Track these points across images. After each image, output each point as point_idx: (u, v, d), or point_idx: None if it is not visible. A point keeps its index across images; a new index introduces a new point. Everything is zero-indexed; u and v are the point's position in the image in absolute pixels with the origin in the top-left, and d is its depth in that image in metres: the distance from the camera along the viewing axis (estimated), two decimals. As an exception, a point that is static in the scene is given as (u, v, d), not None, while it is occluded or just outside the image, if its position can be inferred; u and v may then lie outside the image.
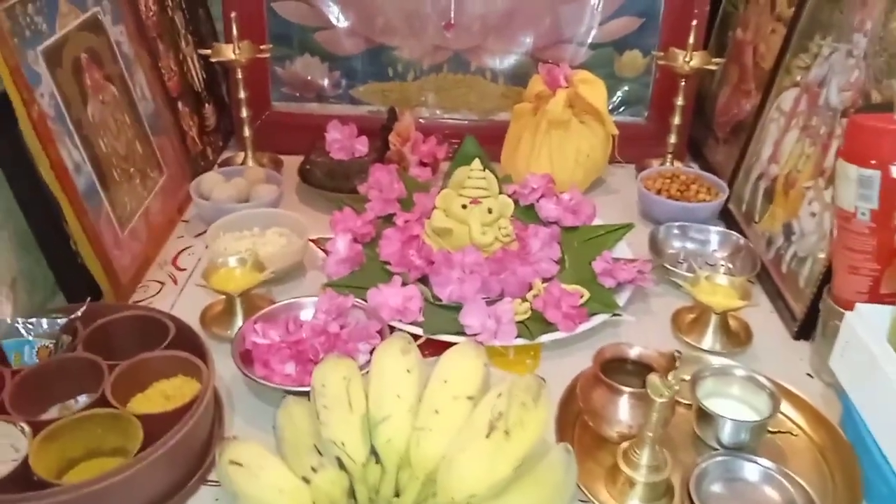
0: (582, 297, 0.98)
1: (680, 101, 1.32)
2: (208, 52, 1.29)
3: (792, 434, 0.83)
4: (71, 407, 0.80)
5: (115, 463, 0.70)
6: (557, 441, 0.79)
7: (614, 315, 0.99)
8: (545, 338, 0.94)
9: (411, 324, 0.94)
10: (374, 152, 1.32)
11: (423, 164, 1.30)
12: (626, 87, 1.45)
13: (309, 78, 1.46)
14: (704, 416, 0.79)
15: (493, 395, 0.71)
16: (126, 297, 1.02)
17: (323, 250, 1.08)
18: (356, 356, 0.87)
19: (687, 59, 1.28)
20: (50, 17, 0.96)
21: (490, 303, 0.96)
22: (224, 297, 0.98)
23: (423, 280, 1.02)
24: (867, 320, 0.78)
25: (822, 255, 0.95)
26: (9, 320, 0.82)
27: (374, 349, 0.83)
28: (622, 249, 1.11)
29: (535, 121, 1.29)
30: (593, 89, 1.27)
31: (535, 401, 0.69)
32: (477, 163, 1.06)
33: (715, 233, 1.15)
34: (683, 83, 1.31)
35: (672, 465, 0.74)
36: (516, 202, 1.13)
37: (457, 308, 0.96)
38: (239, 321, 0.96)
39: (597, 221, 1.17)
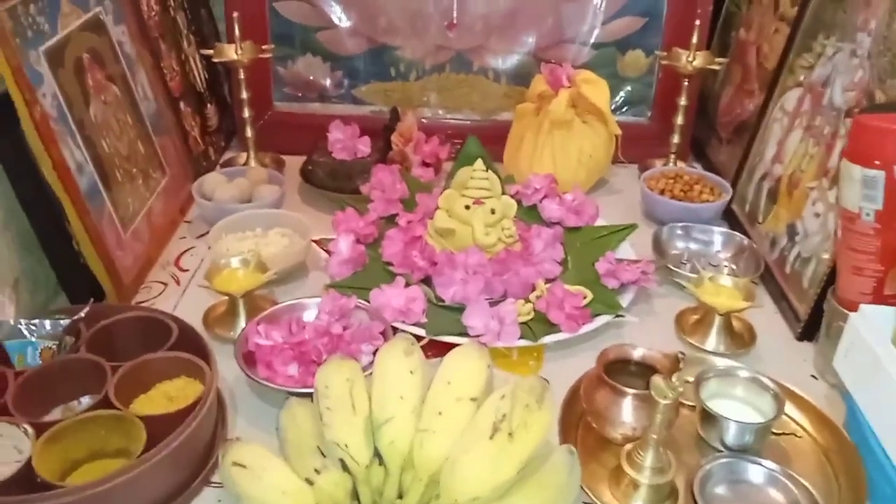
0: (585, 297, 0.98)
1: (683, 101, 1.32)
2: (210, 52, 1.29)
3: (796, 436, 0.82)
4: (74, 408, 0.80)
5: (119, 464, 0.70)
6: (561, 442, 0.78)
7: (617, 316, 0.99)
8: (548, 339, 0.94)
9: (414, 325, 0.94)
10: (377, 152, 1.31)
11: (425, 164, 1.30)
12: (628, 87, 1.45)
13: (311, 78, 1.46)
14: (708, 418, 0.79)
15: (496, 397, 0.71)
16: (129, 297, 1.02)
17: (325, 251, 1.07)
18: (359, 357, 0.86)
19: (690, 58, 1.27)
20: (52, 17, 0.96)
21: (493, 304, 0.96)
22: (227, 297, 0.97)
23: (426, 281, 1.02)
24: (871, 321, 0.78)
25: (825, 256, 0.95)
26: (12, 321, 0.82)
27: (377, 350, 0.83)
28: (625, 250, 1.11)
29: (538, 121, 1.29)
30: (596, 89, 1.27)
31: (538, 403, 0.69)
32: (480, 163, 1.06)
33: (718, 233, 1.15)
34: (686, 83, 1.31)
35: (676, 467, 0.73)
36: (519, 202, 1.13)
37: (460, 309, 0.95)
38: (242, 322, 0.96)
39: (600, 222, 1.16)
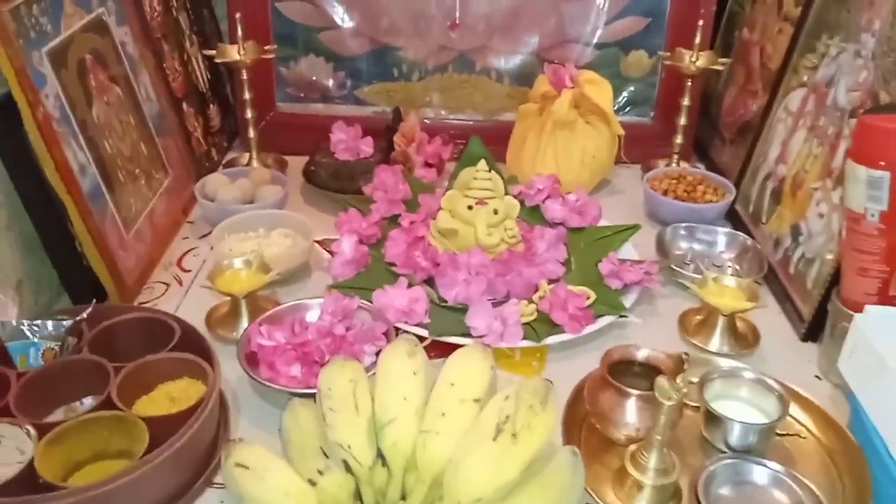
0: (588, 298, 0.98)
1: (686, 102, 1.32)
2: (213, 52, 1.29)
3: (800, 437, 0.82)
4: (76, 409, 0.80)
5: (121, 465, 0.70)
6: (564, 443, 0.78)
7: (621, 317, 0.98)
8: (551, 339, 0.94)
9: (417, 325, 0.94)
10: (379, 153, 1.31)
11: (428, 164, 1.30)
12: (631, 88, 1.44)
13: (314, 78, 1.46)
14: (713, 419, 0.79)
15: (500, 398, 0.70)
16: (131, 298, 1.02)
17: (328, 251, 1.07)
18: (362, 358, 0.86)
19: (693, 59, 1.27)
20: (55, 17, 0.96)
21: (496, 304, 0.96)
22: (229, 298, 0.97)
23: (429, 281, 1.01)
24: (876, 322, 0.77)
25: (829, 257, 0.95)
26: (14, 322, 0.82)
27: (379, 351, 0.82)
28: (628, 250, 1.11)
29: (541, 121, 1.29)
30: (599, 89, 1.27)
31: (542, 404, 0.69)
32: (483, 164, 1.06)
33: (722, 234, 1.14)
34: (689, 83, 1.30)
35: (680, 469, 0.73)
36: (522, 203, 1.13)
37: (463, 310, 0.95)
38: (244, 323, 0.96)
39: (603, 222, 1.16)
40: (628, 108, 1.45)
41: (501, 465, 0.65)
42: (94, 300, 0.88)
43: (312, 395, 0.76)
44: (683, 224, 1.16)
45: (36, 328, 0.82)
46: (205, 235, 1.18)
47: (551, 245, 1.05)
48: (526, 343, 0.93)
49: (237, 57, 1.27)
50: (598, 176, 1.33)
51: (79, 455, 0.73)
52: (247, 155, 1.38)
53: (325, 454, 0.71)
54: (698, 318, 0.99)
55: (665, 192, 1.23)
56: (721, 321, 0.95)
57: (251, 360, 0.86)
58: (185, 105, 1.31)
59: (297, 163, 1.35)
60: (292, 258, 1.06)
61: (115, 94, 1.08)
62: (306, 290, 1.06)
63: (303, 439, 0.73)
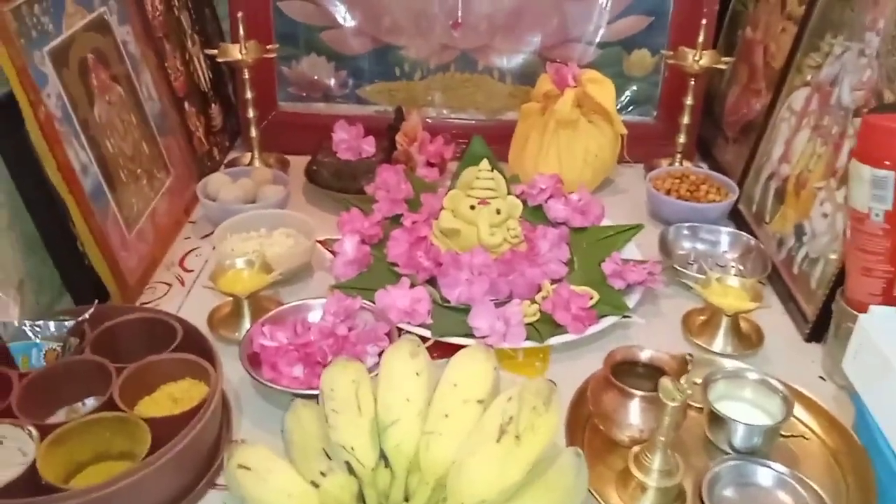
0: (591, 298, 0.98)
1: (689, 101, 1.31)
2: (215, 52, 1.29)
3: (804, 438, 0.82)
4: (78, 410, 0.80)
5: (123, 467, 0.70)
6: (567, 444, 0.78)
7: (624, 317, 0.98)
8: (554, 340, 0.94)
9: (419, 326, 0.94)
10: (381, 152, 1.31)
11: (430, 164, 1.30)
12: (634, 87, 1.44)
13: (315, 78, 1.46)
14: (716, 420, 0.78)
15: (503, 399, 0.70)
16: (133, 298, 1.01)
17: (330, 251, 1.07)
18: (364, 358, 0.86)
19: (696, 58, 1.27)
20: (56, 17, 0.96)
21: (499, 304, 0.96)
22: (231, 298, 0.97)
23: (431, 281, 1.01)
24: (881, 322, 0.77)
25: (833, 257, 0.94)
26: (16, 323, 0.82)
27: (382, 351, 0.82)
28: (631, 250, 1.10)
29: (543, 120, 1.29)
30: (602, 89, 1.26)
31: (546, 405, 0.69)
32: (485, 163, 1.05)
33: (725, 234, 1.14)
34: (693, 82, 1.30)
35: (684, 470, 0.73)
36: (524, 202, 1.13)
37: (465, 310, 0.95)
38: (246, 323, 0.96)
39: (605, 222, 1.16)
40: (631, 108, 1.45)
41: (505, 466, 0.65)
42: (96, 300, 0.88)
43: (315, 396, 0.75)
44: (686, 224, 1.15)
45: (38, 329, 0.82)
46: (207, 235, 1.18)
47: (554, 245, 1.05)
48: (529, 344, 0.93)
49: (239, 56, 1.26)
50: (601, 175, 1.33)
51: (81, 456, 0.73)
52: (249, 154, 1.38)
53: (327, 455, 0.70)
54: (702, 318, 0.99)
55: (668, 192, 1.23)
56: (725, 321, 0.95)
57: (253, 360, 0.86)
58: (186, 104, 1.31)
59: (298, 162, 1.35)
60: (294, 258, 1.06)
61: (116, 93, 1.08)
62: (308, 291, 1.06)
63: (305, 440, 0.73)
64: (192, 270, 1.11)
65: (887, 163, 0.79)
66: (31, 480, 0.67)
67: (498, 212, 1.03)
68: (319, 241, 1.10)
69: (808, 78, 1.11)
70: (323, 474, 0.69)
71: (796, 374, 0.88)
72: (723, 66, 1.30)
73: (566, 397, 0.83)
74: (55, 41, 0.95)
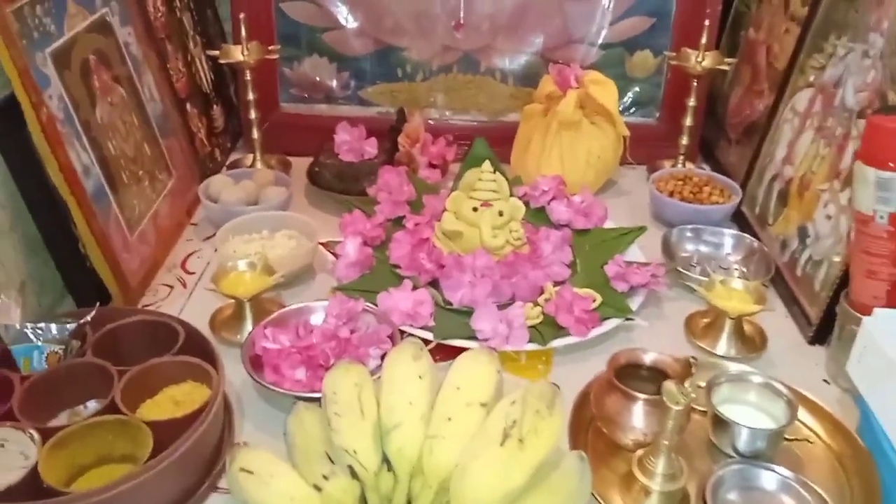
0: (594, 301, 0.97)
1: (692, 102, 1.31)
2: (217, 53, 1.29)
3: (808, 441, 0.81)
4: (80, 413, 0.80)
5: (125, 470, 0.70)
6: (571, 448, 0.78)
7: (627, 319, 0.98)
8: (557, 343, 0.94)
9: (422, 328, 0.93)
10: (384, 154, 1.31)
11: (432, 165, 1.29)
12: (637, 88, 1.44)
13: (317, 79, 1.45)
14: (720, 424, 0.78)
15: (506, 403, 0.70)
16: (135, 300, 1.01)
17: (332, 253, 1.07)
18: (367, 361, 0.86)
19: (699, 59, 1.26)
20: (58, 18, 0.96)
21: (501, 307, 0.95)
22: (233, 301, 0.97)
23: (434, 284, 1.01)
24: (885, 325, 0.77)
25: (837, 259, 0.94)
26: (18, 325, 0.82)
27: (384, 354, 0.82)
28: (634, 252, 1.10)
29: (546, 122, 1.28)
30: (604, 90, 1.26)
31: (549, 408, 0.68)
32: (488, 165, 1.05)
33: (728, 236, 1.14)
34: (695, 84, 1.30)
35: (688, 474, 0.73)
36: (527, 204, 1.12)
37: (468, 312, 0.95)
38: (249, 326, 0.96)
39: (608, 224, 1.16)
40: (634, 109, 1.44)
41: (509, 470, 0.65)
42: (98, 303, 0.88)
43: (317, 399, 0.75)
44: (689, 226, 1.15)
45: (39, 331, 0.82)
46: (209, 237, 1.18)
47: (557, 247, 1.04)
48: (532, 346, 0.93)
49: (241, 57, 1.26)
50: (604, 177, 1.32)
51: (83, 459, 0.73)
52: (250, 156, 1.37)
53: (330, 459, 0.70)
54: (705, 321, 0.99)
55: (671, 194, 1.23)
56: (728, 324, 0.95)
57: (256, 363, 0.86)
58: (188, 106, 1.31)
59: (300, 164, 1.34)
60: (296, 260, 1.05)
61: (118, 94, 1.08)
62: (310, 293, 1.06)
63: (308, 444, 0.72)
64: (193, 272, 1.11)
65: (892, 164, 0.79)
66: (32, 484, 0.66)
67: (500, 214, 1.03)
68: (321, 243, 1.10)
69: (812, 79, 1.11)
70: (325, 478, 0.68)
71: (800, 377, 0.88)
72: (726, 68, 1.29)
73: (569, 400, 0.83)
74: (57, 42, 0.94)
